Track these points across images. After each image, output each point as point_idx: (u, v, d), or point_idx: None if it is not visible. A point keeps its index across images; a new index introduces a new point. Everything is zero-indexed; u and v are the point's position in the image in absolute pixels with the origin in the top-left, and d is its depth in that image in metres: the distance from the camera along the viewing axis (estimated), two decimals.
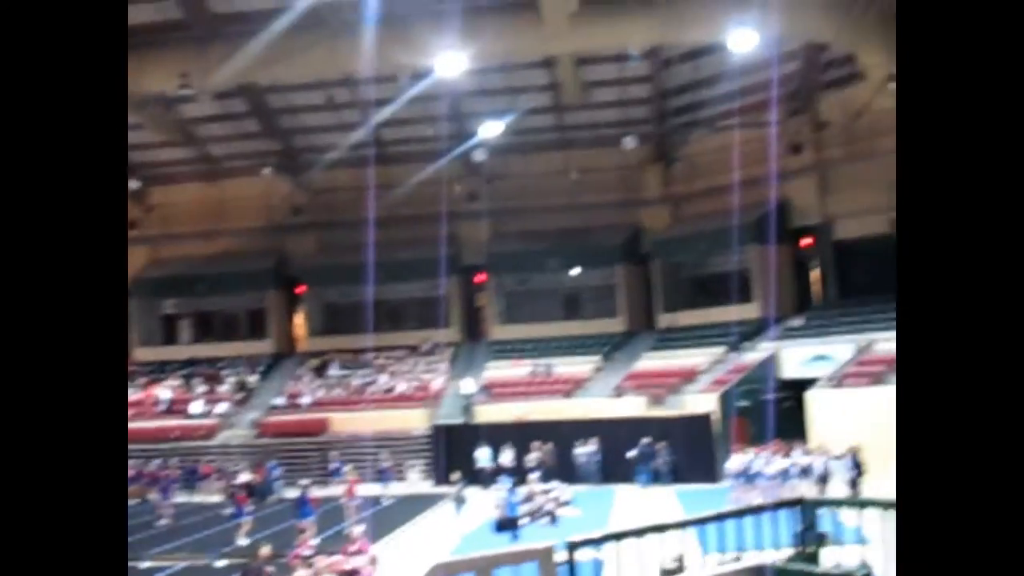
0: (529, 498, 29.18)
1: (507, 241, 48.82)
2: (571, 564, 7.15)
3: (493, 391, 43.85)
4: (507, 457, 36.54)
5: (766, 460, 30.24)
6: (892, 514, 9.08)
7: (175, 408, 44.98)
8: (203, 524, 30.88)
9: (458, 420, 41.27)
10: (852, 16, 35.92)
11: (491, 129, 44.20)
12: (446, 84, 39.43)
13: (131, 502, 33.84)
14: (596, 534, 7.62)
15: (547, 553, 7.00)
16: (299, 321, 51.66)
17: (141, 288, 49.14)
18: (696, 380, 40.77)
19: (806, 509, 8.28)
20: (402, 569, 21.31)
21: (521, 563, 7.18)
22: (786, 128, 42.24)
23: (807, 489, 28.63)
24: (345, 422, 42.23)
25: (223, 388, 46.85)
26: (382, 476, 36.08)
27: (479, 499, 30.47)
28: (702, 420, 35.68)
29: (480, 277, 49.58)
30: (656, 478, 34.82)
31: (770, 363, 38.11)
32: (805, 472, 29.65)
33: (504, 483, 29.09)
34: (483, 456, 37.04)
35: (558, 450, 36.24)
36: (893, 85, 36.76)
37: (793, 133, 42.65)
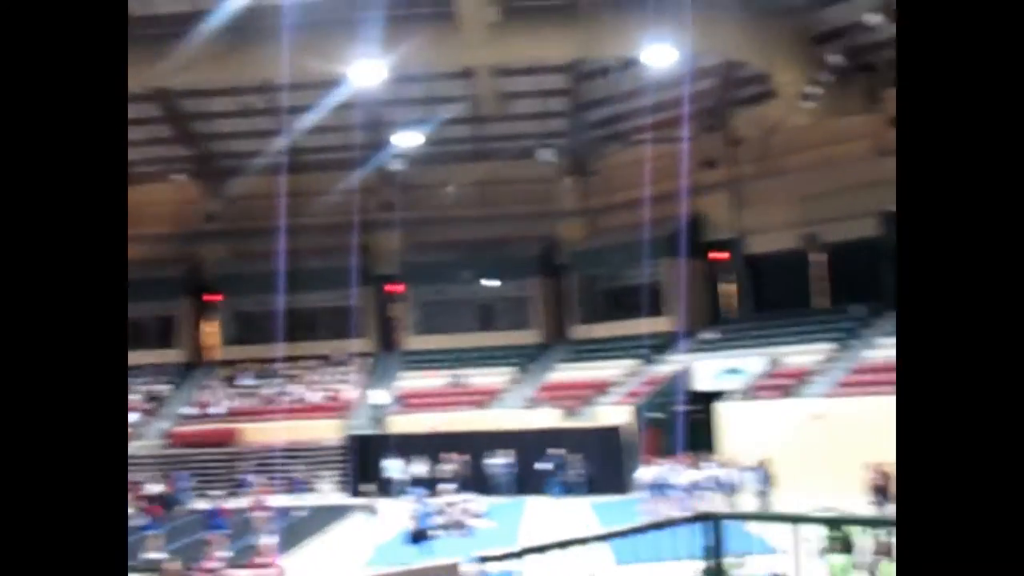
0: (442, 509, 29.10)
1: (422, 252, 48.71)
2: None
3: (406, 402, 43.68)
4: (420, 468, 36.40)
5: (677, 472, 30.50)
6: (804, 528, 9.20)
7: None
8: None
9: (371, 431, 41.02)
10: (767, 35, 36.49)
11: (407, 139, 44.08)
12: (363, 93, 39.24)
13: None
14: (505, 549, 7.59)
15: (453, 570, 6.95)
16: (210, 330, 50.99)
17: None
18: (609, 392, 40.99)
19: (713, 523, 8.31)
20: None
21: None
22: (700, 143, 42.70)
23: (718, 501, 28.93)
24: (256, 432, 41.75)
25: (132, 397, 46.08)
26: (294, 487, 35.72)
27: (392, 510, 30.29)
28: (614, 432, 35.89)
29: (394, 287, 49.37)
30: (569, 489, 34.91)
31: (683, 375, 38.46)
32: (716, 484, 29.96)
33: (417, 494, 29.00)
34: (395, 467, 36.86)
35: (471, 461, 36.21)
36: (806, 103, 37.37)
37: (708, 148, 43.14)
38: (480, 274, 49.26)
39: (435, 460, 36.39)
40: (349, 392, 44.83)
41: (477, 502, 30.94)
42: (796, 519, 9.05)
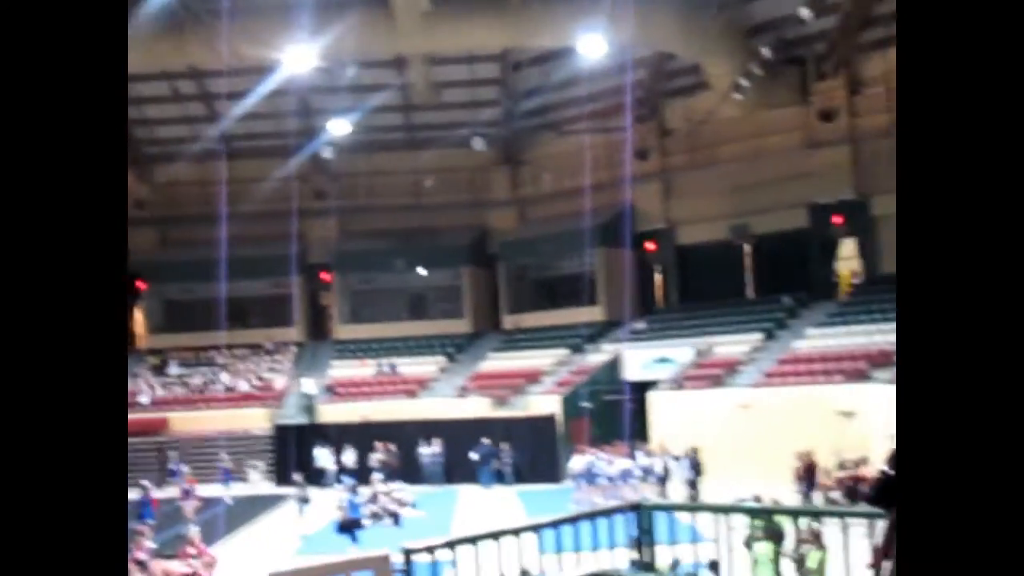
0: (372, 499, 29.03)
1: (354, 240, 48.43)
2: (408, 571, 7.11)
3: (337, 391, 43.47)
4: (350, 457, 36.28)
5: (608, 461, 30.70)
6: (732, 517, 9.29)
7: None
8: None
9: (301, 420, 40.77)
10: (698, 26, 36.74)
11: (340, 127, 43.79)
12: (295, 80, 38.93)
13: None
14: (435, 539, 7.59)
15: (383, 561, 6.94)
16: (137, 318, 50.32)
17: None
18: (540, 381, 41.10)
19: (643, 513, 8.38)
20: (242, 572, 20.95)
21: (356, 572, 7.11)
22: (632, 134, 42.91)
23: (648, 489, 29.17)
24: (185, 421, 41.32)
25: None
26: (223, 476, 35.42)
27: (321, 500, 30.16)
28: (545, 421, 36.02)
29: (325, 276, 49.06)
30: (499, 479, 35.00)
31: (613, 365, 38.67)
32: (646, 473, 30.22)
33: (347, 484, 28.89)
34: (325, 456, 36.69)
35: (402, 450, 36.14)
36: (737, 95, 37.72)
37: (639, 139, 43.34)
38: (412, 263, 49.12)
39: (365, 449, 36.26)
40: (279, 381, 44.52)
41: (407, 492, 30.91)
42: (724, 509, 9.15)
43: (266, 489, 36.73)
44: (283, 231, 42.27)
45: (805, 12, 34.59)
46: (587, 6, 33.59)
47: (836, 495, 26.66)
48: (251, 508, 31.72)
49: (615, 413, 34.17)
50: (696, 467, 29.89)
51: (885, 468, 3.92)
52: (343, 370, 45.17)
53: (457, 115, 46.32)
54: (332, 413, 41.13)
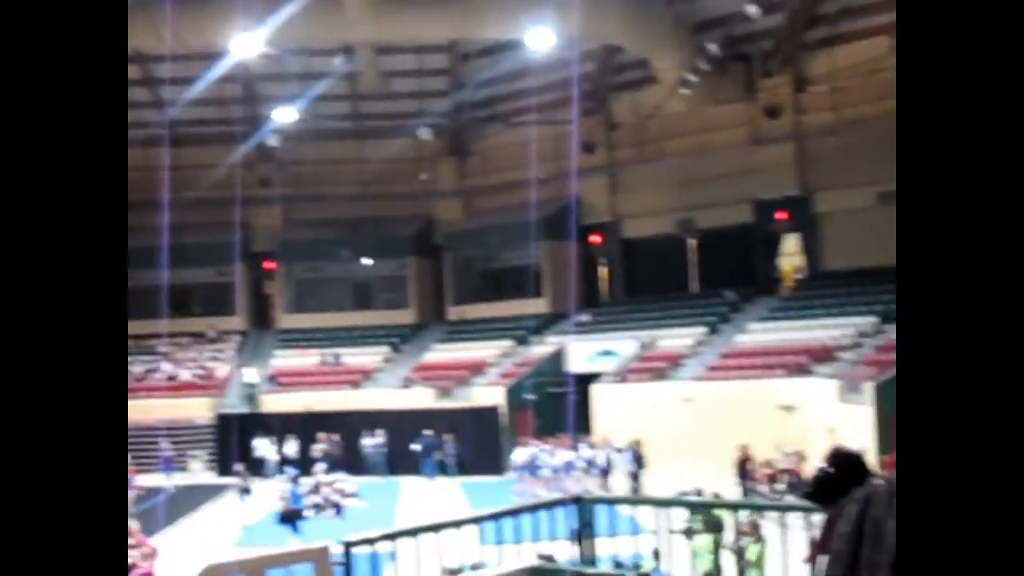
0: (314, 489, 28.93)
1: (299, 229, 48.12)
2: (347, 564, 7.09)
3: (280, 380, 43.22)
4: (292, 448, 36.09)
5: (550, 453, 30.79)
6: (672, 509, 9.37)
7: None
8: None
9: (243, 409, 40.50)
10: (646, 21, 36.90)
11: (286, 114, 43.47)
12: (242, 66, 38.60)
13: None
14: (374, 533, 7.57)
15: (323, 553, 6.92)
16: None
17: None
18: (484, 373, 41.13)
19: (583, 506, 8.43)
20: (183, 562, 20.79)
21: (295, 564, 7.09)
22: (579, 127, 42.99)
23: (590, 481, 29.31)
24: None
25: None
26: (164, 466, 35.11)
27: (263, 490, 29.99)
28: (489, 412, 36.06)
29: (269, 264, 48.73)
30: (442, 470, 34.99)
31: (557, 357, 38.76)
32: (588, 465, 30.34)
33: (289, 474, 28.76)
34: (267, 446, 36.48)
35: (345, 441, 36.00)
36: (684, 90, 37.93)
37: (586, 132, 43.43)
38: (357, 253, 48.91)
39: (308, 440, 36.09)
40: (221, 370, 44.18)
41: (350, 482, 30.82)
42: (664, 503, 9.23)
43: (207, 479, 36.45)
44: (227, 219, 41.91)
45: (752, 9, 34.85)
46: None
47: (774, 488, 26.92)
48: (192, 498, 31.47)
49: (558, 405, 34.26)
50: (638, 460, 30.04)
51: (824, 464, 3.96)
52: (287, 360, 44.91)
53: (405, 105, 46.17)
54: (275, 403, 40.89)
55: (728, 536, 16.40)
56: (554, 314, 42.74)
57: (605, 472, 30.22)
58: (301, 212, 48.22)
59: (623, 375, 36.58)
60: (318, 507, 28.03)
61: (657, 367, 36.21)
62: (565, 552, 8.87)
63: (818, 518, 4.59)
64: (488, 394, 38.02)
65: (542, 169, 39.62)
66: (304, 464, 32.55)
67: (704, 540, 16.17)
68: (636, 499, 20.92)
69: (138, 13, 33.53)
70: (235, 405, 41.00)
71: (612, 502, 10.44)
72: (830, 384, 30.35)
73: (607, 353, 37.90)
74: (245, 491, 29.17)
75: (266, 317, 49.30)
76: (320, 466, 31.74)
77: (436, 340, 45.78)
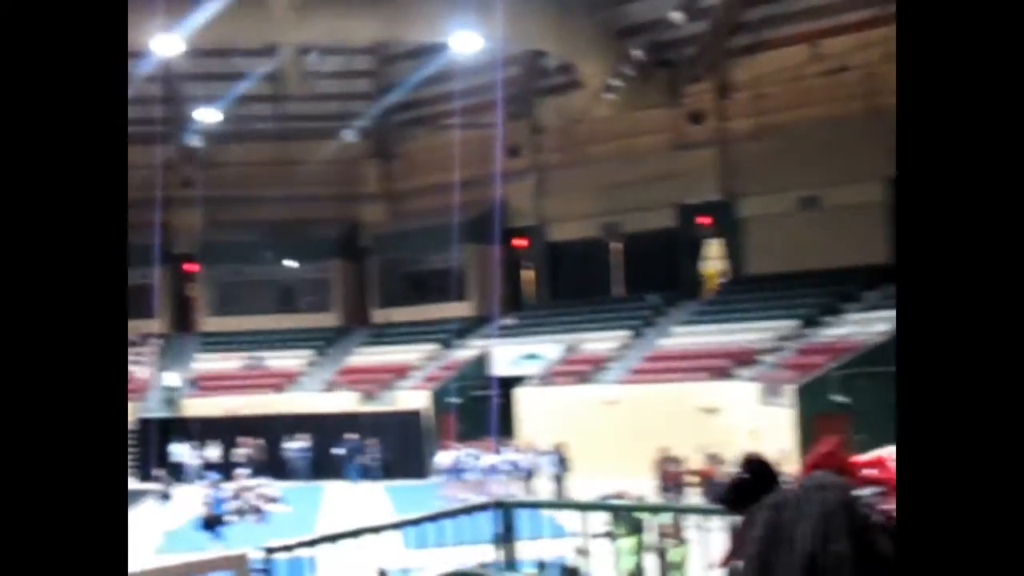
0: (236, 495, 28.62)
1: (221, 231, 47.58)
2: (268, 570, 7.03)
3: (201, 384, 42.71)
4: (215, 452, 35.70)
5: (475, 456, 30.78)
6: (597, 514, 9.40)
7: None
8: None
9: (164, 414, 39.96)
10: (572, 26, 37.06)
11: (209, 115, 42.98)
12: (164, 65, 38.09)
13: None
14: (295, 539, 7.51)
15: (241, 560, 6.84)
16: None
17: None
18: (408, 376, 41.01)
19: (505, 510, 8.43)
20: None
21: (213, 572, 7.01)
22: (505, 131, 43.04)
23: (514, 485, 29.35)
24: None
25: None
26: None
27: (185, 495, 29.61)
28: (413, 416, 35.98)
29: (191, 266, 48.15)
30: (366, 474, 34.81)
31: (482, 361, 38.77)
32: (512, 468, 30.37)
33: (210, 479, 28.43)
34: (188, 451, 36.04)
35: (268, 445, 35.71)
36: (609, 95, 38.14)
37: (512, 136, 43.49)
38: (280, 255, 48.49)
39: (230, 444, 35.73)
40: (141, 374, 43.54)
41: (273, 487, 30.54)
42: (585, 506, 9.25)
43: (128, 484, 35.89)
44: (147, 220, 41.29)
45: (677, 16, 35.16)
46: (461, 2, 33.59)
47: (694, 491, 27.17)
48: None
49: (483, 409, 34.26)
50: (562, 463, 30.14)
51: (738, 470, 3.99)
52: (209, 363, 44.41)
53: (329, 107, 45.91)
54: (197, 407, 40.40)
55: (650, 538, 16.52)
56: (479, 317, 42.74)
57: (529, 475, 30.28)
58: (224, 214, 47.67)
59: (548, 378, 36.68)
60: (240, 512, 27.73)
61: (581, 370, 36.36)
62: (488, 556, 8.86)
63: (739, 521, 4.62)
64: (413, 398, 37.93)
65: (467, 172, 39.62)
66: (227, 469, 32.20)
67: (626, 542, 16.26)
68: (557, 503, 21.02)
69: None
70: (156, 409, 40.44)
71: (534, 506, 10.47)
72: (751, 387, 30.71)
73: (531, 356, 37.97)
74: (165, 496, 28.79)
75: (187, 320, 48.68)
76: (243, 471, 31.43)
77: (360, 343, 45.56)
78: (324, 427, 36.04)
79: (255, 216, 47.14)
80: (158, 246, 43.32)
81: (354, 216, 48.79)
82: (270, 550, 7.05)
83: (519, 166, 43.77)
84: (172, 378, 42.16)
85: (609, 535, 15.68)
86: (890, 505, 3.39)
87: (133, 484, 35.53)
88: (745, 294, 37.51)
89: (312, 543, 7.56)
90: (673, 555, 16.17)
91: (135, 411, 39.80)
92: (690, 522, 14.25)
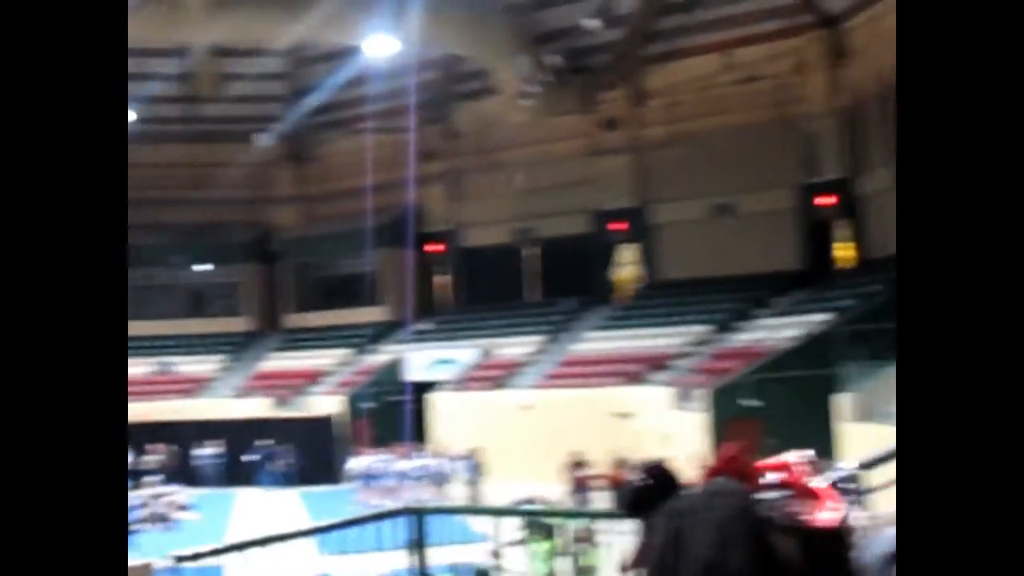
0: (146, 503, 28.18)
1: (131, 234, 46.52)
2: None
3: None
4: None
5: (389, 462, 30.66)
6: (510, 519, 9.39)
7: None
8: None
9: None
10: (488, 31, 37.09)
11: None
12: None
13: None
14: (204, 547, 7.40)
15: (146, 570, 6.72)
16: None
17: None
18: (321, 382, 40.72)
19: (418, 516, 8.38)
20: None
21: None
22: (419, 135, 42.91)
23: (428, 490, 29.27)
24: None
25: None
26: None
27: None
28: (326, 422, 35.77)
29: None
30: (279, 480, 34.48)
31: (396, 366, 38.61)
32: (426, 473, 30.30)
33: None
34: None
35: (179, 452, 35.23)
36: (524, 101, 38.23)
37: (426, 141, 43.37)
38: (191, 259, 47.84)
39: (140, 451, 35.14)
40: None
41: (183, 494, 30.13)
42: (498, 512, 9.24)
43: None
44: None
45: (593, 23, 35.36)
46: (376, 5, 33.43)
47: (603, 495, 27.30)
48: None
49: (397, 414, 34.12)
50: (476, 468, 30.13)
51: (640, 476, 4.01)
52: None
53: (241, 109, 45.42)
54: None
55: (563, 543, 16.57)
56: (393, 322, 42.58)
57: (443, 480, 30.22)
58: (132, 216, 46.51)
59: (462, 383, 36.65)
60: (150, 520, 27.29)
61: (496, 375, 36.39)
62: (400, 563, 8.81)
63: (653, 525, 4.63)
64: (326, 403, 37.67)
65: (382, 176, 39.41)
66: (136, 476, 31.66)
67: (539, 547, 16.30)
68: (469, 508, 20.98)
69: None
70: None
71: (447, 512, 10.43)
72: (664, 392, 30.96)
73: (446, 361, 37.91)
74: None
75: None
76: (152, 478, 30.94)
77: (273, 348, 45.13)
78: (236, 433, 35.64)
79: (166, 219, 46.45)
80: None
81: (267, 220, 48.30)
82: (179, 559, 6.94)
83: (434, 171, 43.67)
84: None
85: (522, 541, 15.72)
86: (797, 509, 3.41)
87: None
88: (659, 299, 37.83)
89: (220, 552, 7.45)
90: (586, 559, 16.25)
91: None
92: (602, 526, 14.34)
